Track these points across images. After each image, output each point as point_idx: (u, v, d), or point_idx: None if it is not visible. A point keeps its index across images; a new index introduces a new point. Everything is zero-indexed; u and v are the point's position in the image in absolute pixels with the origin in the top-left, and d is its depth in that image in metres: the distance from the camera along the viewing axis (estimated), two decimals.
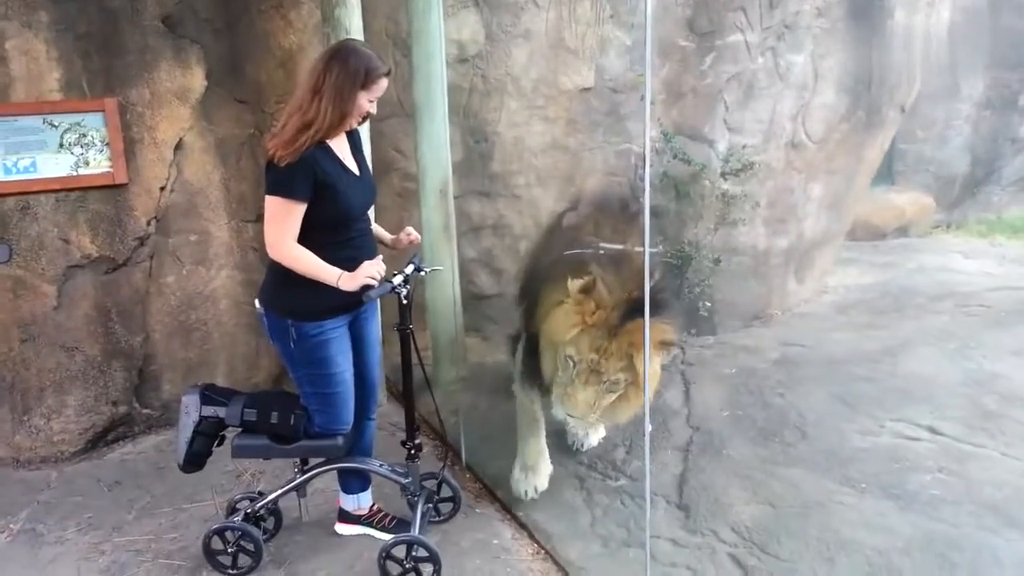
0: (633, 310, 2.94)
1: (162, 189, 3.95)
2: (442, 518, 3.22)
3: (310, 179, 2.51)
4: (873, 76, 5.84)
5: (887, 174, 8.88)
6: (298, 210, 2.53)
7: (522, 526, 3.22)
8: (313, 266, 2.55)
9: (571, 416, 2.95)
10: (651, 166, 5.18)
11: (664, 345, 3.10)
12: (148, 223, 3.93)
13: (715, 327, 5.48)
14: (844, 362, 4.44)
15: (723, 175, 5.24)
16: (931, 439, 3.54)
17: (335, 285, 2.53)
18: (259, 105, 4.16)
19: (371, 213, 4.10)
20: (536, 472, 3.28)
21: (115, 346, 3.91)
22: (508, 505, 3.36)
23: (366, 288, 2.54)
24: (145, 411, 4.04)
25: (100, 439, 3.94)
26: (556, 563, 2.98)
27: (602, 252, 3.28)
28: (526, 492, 3.21)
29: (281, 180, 2.50)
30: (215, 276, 4.13)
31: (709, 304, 5.35)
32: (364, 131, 4.12)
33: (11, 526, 3.32)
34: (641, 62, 5.07)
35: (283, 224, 2.53)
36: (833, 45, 5.56)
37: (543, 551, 3.06)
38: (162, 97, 3.92)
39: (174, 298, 4.04)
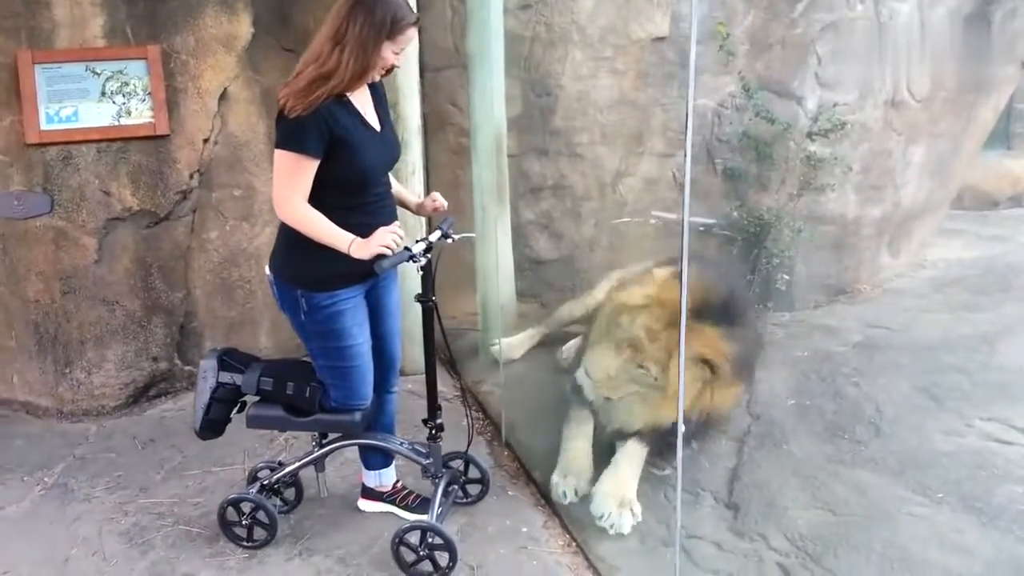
0: (703, 314, 2.86)
1: (205, 141, 3.83)
2: (470, 500, 3.03)
3: (324, 134, 2.30)
4: (989, 26, 5.19)
5: (1003, 137, 8.09)
6: (309, 166, 2.32)
7: (555, 514, 3.00)
8: (323, 229, 2.35)
9: (587, 374, 2.90)
10: (728, 124, 4.83)
11: (704, 362, 2.86)
12: (191, 176, 3.82)
13: (793, 302, 5.06)
14: (934, 348, 3.98)
15: (810, 135, 4.77)
16: None
17: (346, 252, 2.33)
18: None
19: (418, 172, 3.98)
20: (578, 475, 3.04)
21: (155, 302, 3.85)
22: (544, 490, 3.14)
23: (380, 257, 2.33)
24: (187, 368, 3.98)
25: (141, 395, 3.92)
26: (587, 558, 2.75)
27: (654, 221, 3.10)
28: (565, 494, 2.98)
29: (292, 133, 2.30)
30: (259, 233, 4.00)
31: (788, 277, 4.93)
32: (413, 83, 3.92)
33: (46, 479, 3.32)
34: (723, 7, 4.63)
35: (292, 181, 2.33)
36: None
37: (574, 543, 2.83)
38: (207, 45, 3.78)
39: (216, 254, 3.95)
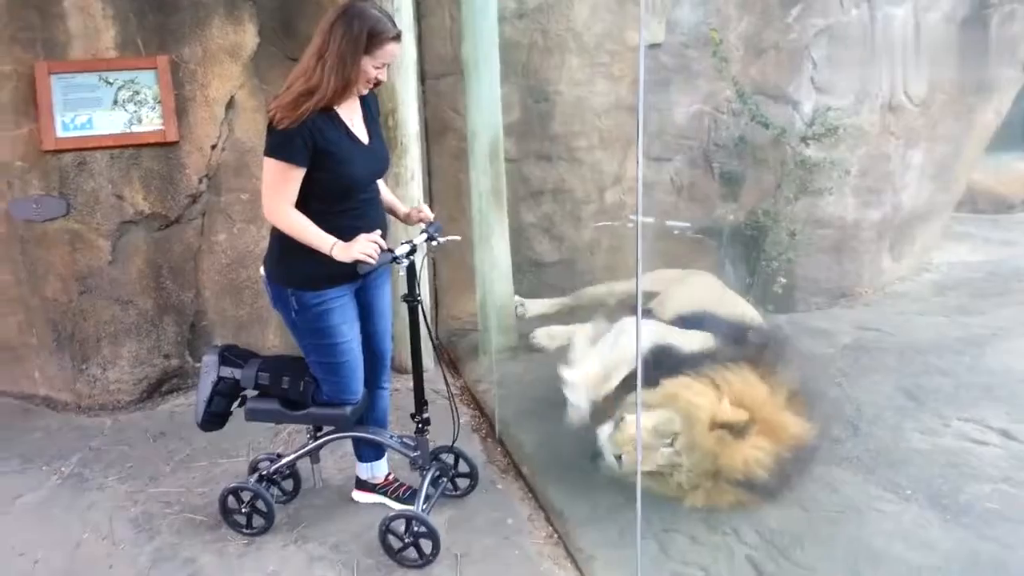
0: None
1: (213, 147, 3.99)
2: (459, 493, 3.16)
3: (309, 145, 2.45)
4: (987, 29, 5.23)
5: (1018, 138, 8.02)
6: (295, 175, 2.47)
7: (540, 507, 3.12)
8: (308, 233, 2.50)
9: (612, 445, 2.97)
10: (724, 129, 4.92)
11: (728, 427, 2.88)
12: (200, 181, 3.99)
13: (794, 304, 5.14)
14: (923, 351, 4.04)
15: (804, 140, 4.85)
16: (1001, 444, 3.18)
17: (328, 253, 2.48)
18: None
19: (417, 177, 4.11)
20: None
21: (167, 301, 4.03)
22: (531, 483, 3.27)
23: (361, 261, 2.47)
24: (197, 365, 4.14)
25: (154, 390, 4.10)
26: (567, 549, 2.87)
27: (630, 225, 3.17)
28: None
29: (279, 143, 2.45)
30: (265, 236, 4.08)
31: (785, 280, 5.01)
32: (411, 90, 4.04)
33: (63, 469, 3.50)
34: (717, 15, 4.72)
35: (279, 188, 2.48)
36: None
37: (556, 535, 2.95)
38: (214, 55, 3.94)
39: (225, 256, 4.11)
